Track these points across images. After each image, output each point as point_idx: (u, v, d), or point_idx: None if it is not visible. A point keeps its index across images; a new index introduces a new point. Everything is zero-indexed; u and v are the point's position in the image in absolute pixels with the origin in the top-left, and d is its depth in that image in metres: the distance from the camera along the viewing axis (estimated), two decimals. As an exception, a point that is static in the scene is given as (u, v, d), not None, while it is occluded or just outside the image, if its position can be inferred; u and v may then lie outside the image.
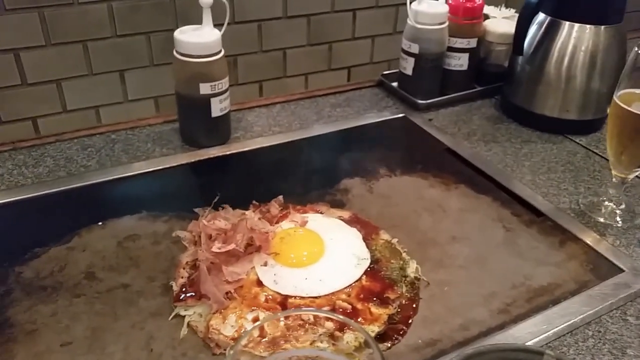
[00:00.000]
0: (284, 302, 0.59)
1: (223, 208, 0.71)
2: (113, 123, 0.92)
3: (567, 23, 0.90)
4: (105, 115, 0.92)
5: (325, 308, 0.58)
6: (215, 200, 0.71)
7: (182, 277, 0.63)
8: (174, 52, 0.80)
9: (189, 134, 0.89)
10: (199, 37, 0.79)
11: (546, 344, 0.58)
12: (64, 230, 0.70)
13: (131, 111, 0.94)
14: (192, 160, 0.85)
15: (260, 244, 0.63)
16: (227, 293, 0.58)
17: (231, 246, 0.60)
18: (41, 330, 0.58)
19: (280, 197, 0.73)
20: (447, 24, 0.99)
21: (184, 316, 0.59)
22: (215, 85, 0.81)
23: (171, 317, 0.59)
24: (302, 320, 0.54)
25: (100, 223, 0.72)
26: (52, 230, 0.70)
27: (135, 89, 0.93)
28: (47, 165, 0.83)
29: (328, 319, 0.55)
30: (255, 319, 0.57)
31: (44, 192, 0.77)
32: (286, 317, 0.54)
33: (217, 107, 0.84)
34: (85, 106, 0.90)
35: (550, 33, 0.92)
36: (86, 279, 0.64)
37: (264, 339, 0.52)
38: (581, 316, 0.61)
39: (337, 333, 0.54)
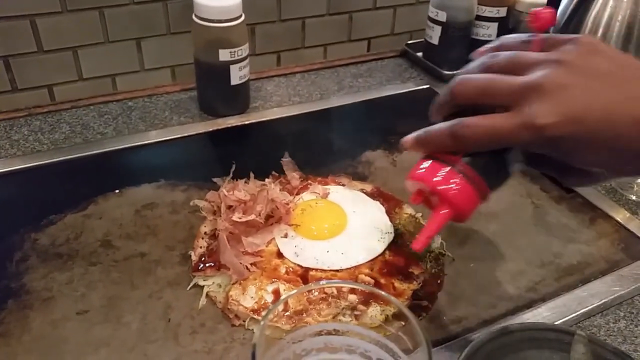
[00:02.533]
0: (304, 275, 0.57)
1: (242, 178, 0.69)
2: (130, 90, 0.91)
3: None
4: (121, 84, 0.91)
5: (350, 281, 0.56)
6: (232, 169, 0.69)
7: (200, 247, 0.61)
8: (193, 17, 0.78)
9: (208, 102, 0.87)
10: (219, 1, 0.76)
11: (576, 324, 0.56)
12: (80, 198, 0.69)
13: (147, 80, 0.92)
14: (211, 129, 0.83)
15: (280, 215, 0.61)
16: (248, 265, 0.57)
17: (251, 216, 0.58)
18: (57, 297, 0.57)
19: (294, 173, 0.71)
20: (476, -9, 0.96)
21: (203, 286, 0.58)
22: (235, 51, 0.79)
23: (189, 287, 0.58)
24: (325, 293, 0.52)
25: (117, 191, 0.71)
26: (68, 197, 0.69)
27: (152, 58, 0.91)
28: (63, 131, 0.82)
29: (352, 291, 0.53)
30: (276, 291, 0.56)
31: (60, 159, 0.76)
32: (309, 290, 0.53)
33: (237, 75, 0.81)
34: (101, 74, 0.89)
35: (584, 2, 0.88)
36: (102, 247, 0.63)
37: (286, 313, 0.50)
38: (612, 296, 0.59)
39: (361, 307, 0.53)
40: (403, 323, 0.53)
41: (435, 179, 0.43)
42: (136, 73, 0.91)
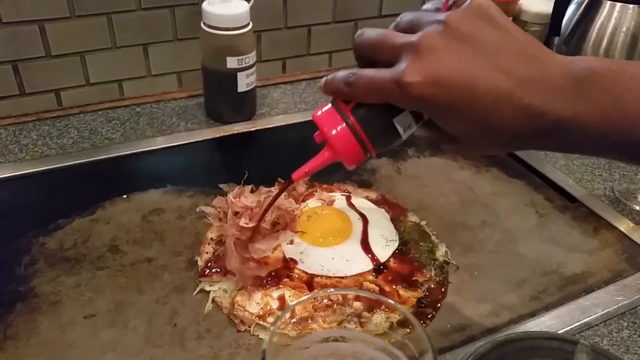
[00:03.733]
0: (310, 281, 0.58)
1: (248, 184, 0.69)
2: (138, 96, 0.91)
3: (609, 2, 0.87)
4: (128, 90, 0.91)
5: (355, 288, 0.57)
6: (244, 178, 0.69)
7: (207, 253, 0.62)
8: (201, 25, 0.79)
9: (214, 108, 0.87)
10: (227, 9, 0.77)
11: (579, 333, 0.57)
12: (88, 203, 0.69)
13: (154, 86, 0.93)
14: (217, 136, 0.84)
15: (286, 222, 0.61)
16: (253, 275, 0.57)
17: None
18: (65, 301, 0.57)
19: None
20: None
21: (209, 292, 0.58)
22: (242, 59, 0.80)
23: (196, 292, 0.59)
24: (331, 300, 0.53)
25: (124, 196, 0.71)
26: (76, 202, 0.69)
27: (159, 64, 0.92)
28: (71, 136, 0.82)
29: (357, 298, 0.53)
30: (281, 297, 0.56)
31: (68, 164, 0.76)
32: (315, 297, 0.53)
33: (244, 82, 0.82)
34: (108, 80, 0.90)
35: (589, 13, 0.89)
36: (110, 251, 0.63)
37: (292, 319, 0.50)
38: (615, 306, 0.59)
39: (366, 314, 0.53)
40: (408, 330, 0.54)
41: (324, 123, 0.45)
42: (143, 79, 0.92)
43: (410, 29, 0.41)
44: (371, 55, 0.43)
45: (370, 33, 0.43)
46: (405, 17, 0.43)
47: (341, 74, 0.43)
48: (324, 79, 0.46)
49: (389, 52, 0.41)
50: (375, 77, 0.41)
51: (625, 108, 0.37)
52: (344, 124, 0.44)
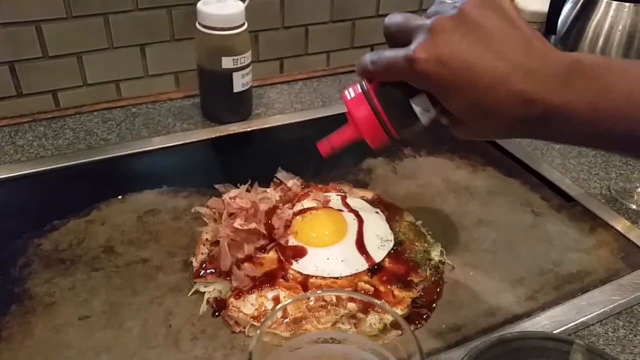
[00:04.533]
0: (304, 282, 0.58)
1: (244, 184, 0.69)
2: (133, 96, 0.91)
3: (605, 1, 0.87)
4: (125, 90, 0.91)
5: (348, 289, 0.57)
6: (248, 184, 0.70)
7: (202, 254, 0.62)
8: (197, 25, 0.79)
9: (210, 109, 0.87)
10: (223, 9, 0.77)
11: (574, 333, 0.57)
12: (83, 203, 0.69)
13: (151, 86, 0.93)
14: (213, 136, 0.84)
15: (281, 224, 0.61)
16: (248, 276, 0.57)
17: (252, 225, 0.59)
18: (59, 303, 0.57)
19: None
20: (477, 0, 0.96)
21: (204, 292, 0.58)
22: (237, 59, 0.80)
23: (190, 293, 0.58)
24: (325, 301, 0.53)
25: (119, 197, 0.71)
26: (71, 203, 0.69)
27: (156, 64, 0.91)
28: (67, 137, 0.82)
29: (351, 299, 0.53)
30: (276, 298, 0.56)
31: (63, 165, 0.76)
32: (307, 298, 0.53)
33: (239, 82, 0.82)
34: (105, 80, 0.90)
35: (586, 11, 0.89)
36: (105, 252, 0.63)
37: (285, 320, 0.50)
38: (611, 305, 0.59)
39: (360, 315, 0.53)
40: (400, 332, 0.54)
41: (349, 100, 0.48)
42: (140, 79, 0.92)
43: (435, 14, 0.44)
44: (395, 36, 0.45)
45: (396, 16, 0.46)
46: (434, 7, 0.45)
47: (369, 54, 0.46)
48: (358, 64, 0.48)
49: (408, 32, 0.44)
50: (391, 55, 0.44)
51: (610, 98, 0.39)
52: (365, 101, 0.46)
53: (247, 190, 0.68)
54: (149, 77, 0.92)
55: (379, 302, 0.41)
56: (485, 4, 0.42)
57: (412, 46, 0.42)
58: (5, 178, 0.73)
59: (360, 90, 0.47)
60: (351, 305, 0.54)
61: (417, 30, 0.43)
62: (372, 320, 0.53)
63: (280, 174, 0.72)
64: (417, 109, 0.46)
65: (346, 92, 0.48)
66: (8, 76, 0.83)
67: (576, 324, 0.57)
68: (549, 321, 0.57)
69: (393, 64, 0.43)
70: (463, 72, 0.41)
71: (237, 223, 0.59)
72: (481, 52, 0.41)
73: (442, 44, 0.41)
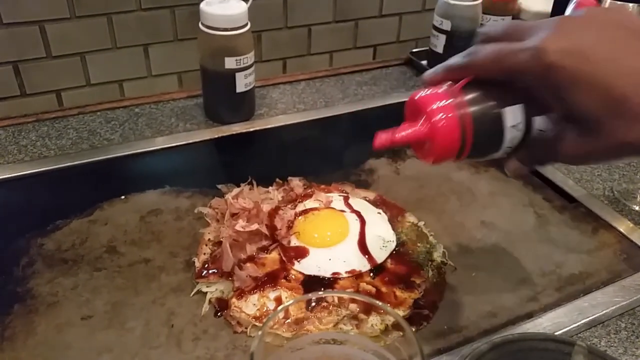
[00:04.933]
0: (306, 282, 0.58)
1: (246, 185, 0.69)
2: (137, 96, 0.91)
3: (609, 1, 0.86)
4: (128, 90, 0.91)
5: (349, 290, 0.57)
6: (248, 181, 0.70)
7: (204, 254, 0.62)
8: (200, 25, 0.79)
9: (213, 109, 0.87)
10: (225, 10, 0.77)
11: (576, 334, 0.56)
12: (86, 203, 0.70)
13: (154, 86, 0.93)
14: (216, 136, 0.84)
15: (283, 224, 0.61)
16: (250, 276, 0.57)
17: (254, 226, 0.59)
18: (62, 302, 0.57)
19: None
20: (480, 0, 0.96)
21: (206, 293, 0.58)
22: (240, 59, 0.80)
23: (192, 293, 0.59)
24: (326, 301, 0.53)
25: (122, 197, 0.71)
26: (74, 203, 0.69)
27: (159, 64, 0.91)
28: (70, 137, 0.82)
29: (352, 300, 0.54)
30: (278, 298, 0.56)
31: (66, 164, 0.76)
32: (308, 299, 0.53)
33: (242, 83, 0.82)
34: (109, 80, 0.90)
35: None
36: (107, 252, 0.63)
37: (287, 320, 0.51)
38: (613, 307, 0.59)
39: (362, 315, 0.53)
40: (402, 333, 0.54)
41: (433, 103, 0.42)
42: (143, 79, 0.92)
43: (535, 26, 0.41)
44: (498, 39, 0.42)
45: (497, 24, 0.42)
46: (526, 23, 0.43)
47: (458, 55, 0.43)
48: (426, 73, 0.45)
49: (521, 32, 0.40)
50: (501, 47, 0.40)
51: None
52: (453, 108, 0.41)
53: (250, 189, 0.69)
54: (152, 77, 0.92)
55: (379, 303, 0.41)
56: (612, 10, 0.40)
57: (537, 37, 0.38)
58: (8, 178, 0.73)
59: (447, 95, 0.42)
60: (353, 306, 0.54)
61: (537, 28, 0.39)
62: (374, 321, 0.53)
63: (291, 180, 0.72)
64: (507, 120, 0.42)
65: (423, 93, 0.43)
66: (12, 76, 0.83)
67: (578, 326, 0.57)
68: (551, 322, 0.57)
69: (503, 55, 0.39)
70: (607, 65, 0.37)
71: (239, 225, 0.59)
72: (628, 47, 0.38)
73: (577, 37, 0.38)
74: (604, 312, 0.58)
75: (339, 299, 0.55)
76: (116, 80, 0.90)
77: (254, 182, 0.70)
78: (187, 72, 0.94)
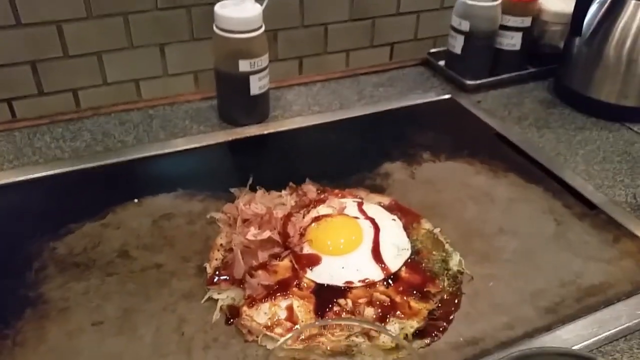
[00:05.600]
0: (318, 291, 0.57)
1: (260, 188, 0.69)
2: (151, 98, 0.91)
3: (633, 1, 0.84)
4: (145, 89, 0.91)
5: (363, 299, 0.56)
6: (250, 182, 0.69)
7: (216, 259, 0.61)
8: (214, 27, 0.78)
9: (227, 111, 0.87)
10: (240, 12, 0.76)
11: (597, 348, 0.55)
12: (99, 207, 0.69)
13: (170, 85, 0.92)
14: (230, 139, 0.83)
15: (295, 231, 0.60)
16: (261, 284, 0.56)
17: (266, 233, 0.58)
18: (73, 308, 0.57)
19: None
20: (500, 0, 0.94)
21: (217, 300, 0.58)
22: (254, 62, 0.79)
23: (204, 300, 0.58)
24: (340, 307, 0.52)
25: (135, 200, 0.71)
26: (87, 206, 0.69)
27: (175, 63, 0.91)
28: (84, 139, 0.82)
29: (368, 304, 0.53)
30: (289, 307, 0.55)
31: (80, 167, 0.76)
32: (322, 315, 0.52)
33: (256, 85, 0.81)
34: (125, 79, 0.89)
35: (612, 12, 0.86)
36: (120, 257, 0.63)
37: (300, 336, 0.50)
38: (636, 320, 0.57)
39: (373, 333, 0.52)
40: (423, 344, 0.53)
41: None
42: (160, 78, 0.91)
43: None
44: None
45: None
46: None
47: None
48: None
49: None
50: None
51: None
52: None
53: (263, 194, 0.68)
54: (168, 76, 0.92)
55: (378, 325, 0.40)
56: None
57: None
58: (22, 180, 0.73)
59: None
60: (369, 313, 0.54)
61: None
62: (385, 338, 0.51)
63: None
64: None
65: None
66: (30, 75, 0.83)
67: (599, 339, 0.55)
68: (570, 335, 0.55)
69: None
70: None
71: (251, 234, 0.58)
72: None
73: None
74: (627, 325, 0.56)
75: (354, 305, 0.54)
76: (132, 80, 0.90)
77: (267, 186, 0.69)
78: (203, 72, 0.93)
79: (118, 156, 0.78)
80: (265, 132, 0.85)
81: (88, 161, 0.77)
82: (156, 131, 0.85)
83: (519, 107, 0.95)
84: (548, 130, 0.88)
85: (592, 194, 0.74)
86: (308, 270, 0.58)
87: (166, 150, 0.80)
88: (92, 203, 0.70)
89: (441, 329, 0.56)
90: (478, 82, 0.98)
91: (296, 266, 0.58)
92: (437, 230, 0.66)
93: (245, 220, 0.62)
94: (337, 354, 0.50)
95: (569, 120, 0.91)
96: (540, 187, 0.76)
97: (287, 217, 0.61)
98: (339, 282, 0.57)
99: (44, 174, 0.75)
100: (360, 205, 0.66)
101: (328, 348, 0.50)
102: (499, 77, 1.00)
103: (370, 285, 0.57)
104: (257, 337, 0.54)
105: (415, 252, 0.61)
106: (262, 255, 0.58)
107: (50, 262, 0.62)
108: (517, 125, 0.90)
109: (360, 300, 0.55)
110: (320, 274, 0.57)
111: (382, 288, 0.57)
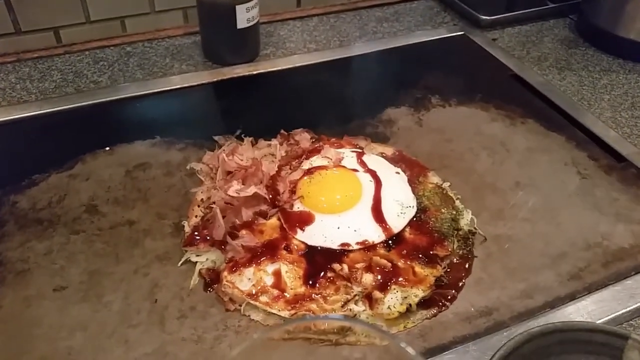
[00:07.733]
0: (310, 254, 0.51)
1: (247, 136, 0.62)
2: (130, 33, 0.82)
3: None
4: (130, 27, 0.83)
5: (360, 264, 0.49)
6: (237, 133, 0.63)
7: (195, 217, 0.55)
8: (195, -51, 0.69)
9: (212, 48, 0.80)
10: None
11: (627, 322, 0.49)
12: (67, 155, 0.64)
13: (159, 22, 0.85)
14: (215, 80, 0.77)
15: (285, 187, 0.53)
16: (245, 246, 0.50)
17: (251, 189, 0.51)
18: (33, 270, 0.52)
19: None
20: None
21: (195, 263, 0.52)
22: (240, -10, 0.70)
23: (180, 262, 0.52)
24: (334, 271, 0.46)
25: (107, 148, 0.65)
26: (54, 155, 0.63)
27: (163, -1, 0.83)
28: (54, 79, 0.75)
29: (367, 269, 0.47)
30: (277, 272, 0.49)
31: (48, 110, 0.70)
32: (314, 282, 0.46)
33: (243, 17, 0.73)
34: (109, 17, 0.82)
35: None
36: (87, 212, 0.57)
37: (285, 293, 0.43)
38: (672, 288, 0.51)
39: (377, 294, 0.47)
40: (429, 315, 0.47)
41: None
42: (147, 15, 0.84)
43: None
44: None
45: None
46: None
47: None
48: None
49: None
50: None
51: None
52: None
53: (252, 145, 0.60)
54: (155, 13, 0.84)
55: (367, 323, 0.33)
56: None
57: None
58: (-19, 125, 0.67)
59: None
60: (367, 280, 0.48)
61: None
62: (392, 302, 0.45)
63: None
64: None
65: None
66: (5, 11, 0.75)
67: (629, 311, 0.50)
68: (597, 306, 0.50)
69: None
70: None
71: (233, 189, 0.51)
72: None
73: None
74: (661, 294, 0.50)
75: (350, 269, 0.48)
76: (117, 17, 0.82)
77: (256, 134, 0.61)
78: (193, 8, 0.84)
79: (90, 98, 0.72)
80: (255, 72, 0.78)
81: (57, 104, 0.71)
82: (133, 70, 0.78)
83: (539, 46, 0.88)
84: (570, 73, 0.82)
85: (620, 144, 0.68)
86: (299, 231, 0.52)
87: (143, 92, 0.74)
88: (60, 151, 0.64)
89: (449, 298, 0.50)
90: (493, 17, 0.92)
91: (285, 226, 0.52)
92: (446, 185, 0.60)
93: (228, 173, 0.55)
94: (330, 332, 0.44)
95: (594, 61, 0.85)
96: (561, 135, 0.70)
97: (277, 171, 0.54)
98: (334, 244, 0.51)
99: (6, 118, 0.69)
100: (359, 156, 0.60)
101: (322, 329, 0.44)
102: (517, 13, 0.94)
103: (369, 248, 0.51)
104: (240, 306, 0.48)
105: (421, 209, 0.55)
106: (247, 214, 0.52)
107: (10, 218, 0.56)
108: (536, 66, 0.83)
109: (358, 265, 0.49)
110: (312, 235, 0.52)
111: (382, 251, 0.51)
